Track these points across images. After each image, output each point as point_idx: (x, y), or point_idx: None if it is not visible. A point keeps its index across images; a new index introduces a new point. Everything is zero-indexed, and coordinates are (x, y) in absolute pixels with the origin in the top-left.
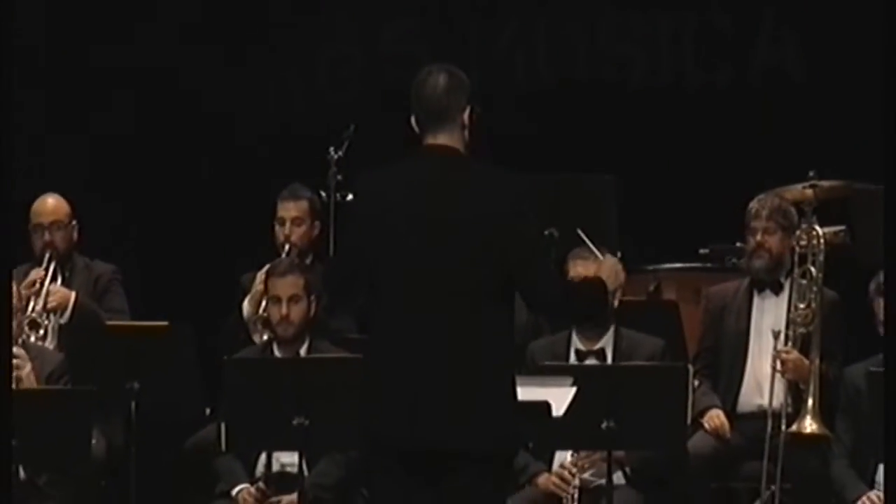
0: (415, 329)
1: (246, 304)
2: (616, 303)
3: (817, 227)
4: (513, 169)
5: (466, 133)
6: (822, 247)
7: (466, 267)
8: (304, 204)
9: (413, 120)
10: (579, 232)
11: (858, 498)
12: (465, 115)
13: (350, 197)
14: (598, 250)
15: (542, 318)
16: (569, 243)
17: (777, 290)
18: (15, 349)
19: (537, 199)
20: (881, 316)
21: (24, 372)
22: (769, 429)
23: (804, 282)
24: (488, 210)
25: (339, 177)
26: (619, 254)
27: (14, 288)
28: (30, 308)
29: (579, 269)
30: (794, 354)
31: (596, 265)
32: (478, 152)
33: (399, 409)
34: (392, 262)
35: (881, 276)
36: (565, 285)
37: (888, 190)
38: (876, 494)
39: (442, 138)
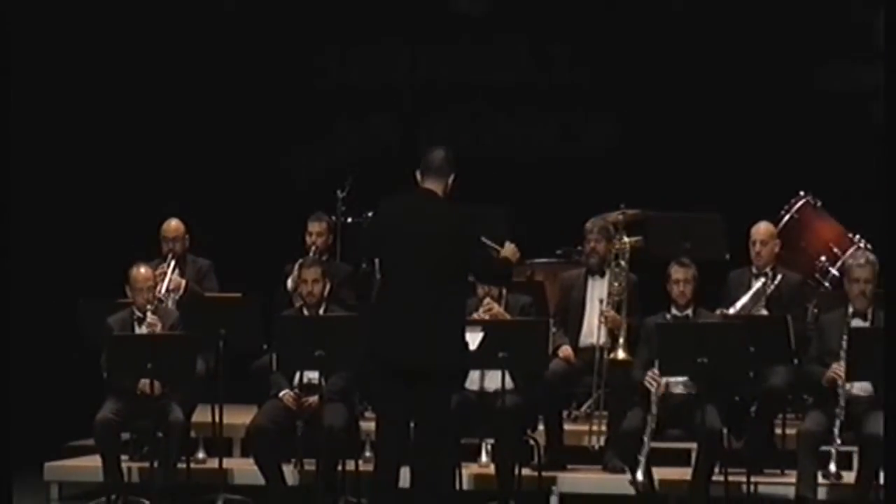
0: (404, 292)
1: (289, 282)
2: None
3: (625, 237)
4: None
5: (448, 189)
6: (628, 249)
7: (437, 257)
8: (324, 224)
9: (418, 171)
10: (484, 239)
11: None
12: (451, 179)
13: (350, 220)
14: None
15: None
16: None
17: (602, 275)
18: (150, 316)
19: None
20: (675, 276)
21: (157, 328)
22: (597, 356)
23: (618, 270)
24: (451, 227)
25: (343, 208)
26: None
27: (151, 274)
28: (158, 288)
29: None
30: (612, 313)
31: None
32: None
33: (392, 341)
34: (393, 252)
35: (681, 259)
36: (494, 265)
37: (888, 195)
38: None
39: (431, 185)
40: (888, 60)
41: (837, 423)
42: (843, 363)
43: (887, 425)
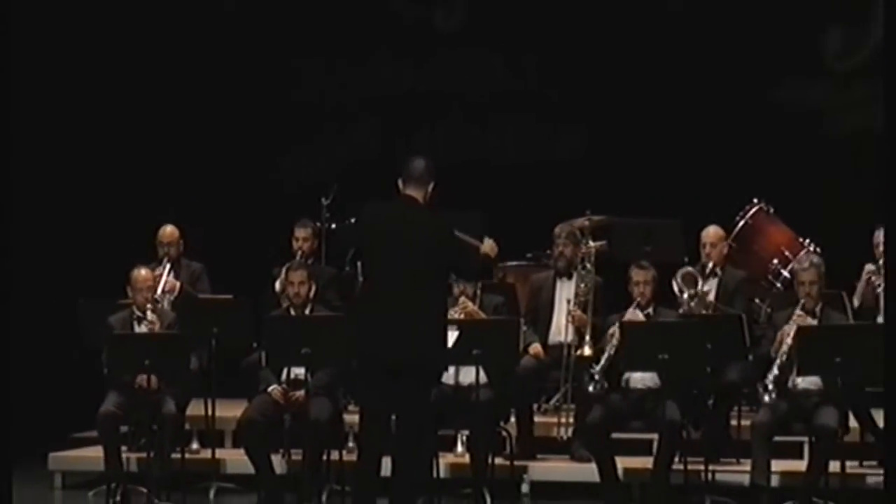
0: (388, 293)
1: (277, 284)
2: (497, 267)
3: (591, 242)
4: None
5: (428, 196)
6: (593, 253)
7: (417, 259)
8: (309, 229)
9: (400, 180)
10: (463, 236)
11: None
12: (430, 187)
13: (334, 226)
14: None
15: None
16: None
17: (569, 276)
18: (150, 315)
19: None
20: (636, 278)
21: (156, 327)
22: (564, 353)
23: (584, 272)
24: (431, 232)
25: (328, 214)
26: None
27: (150, 275)
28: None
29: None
30: (578, 312)
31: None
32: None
33: (378, 338)
34: (376, 254)
35: (640, 262)
36: (474, 262)
37: (888, 197)
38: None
39: (412, 192)
40: (888, 68)
41: (772, 375)
42: (794, 325)
43: (887, 424)
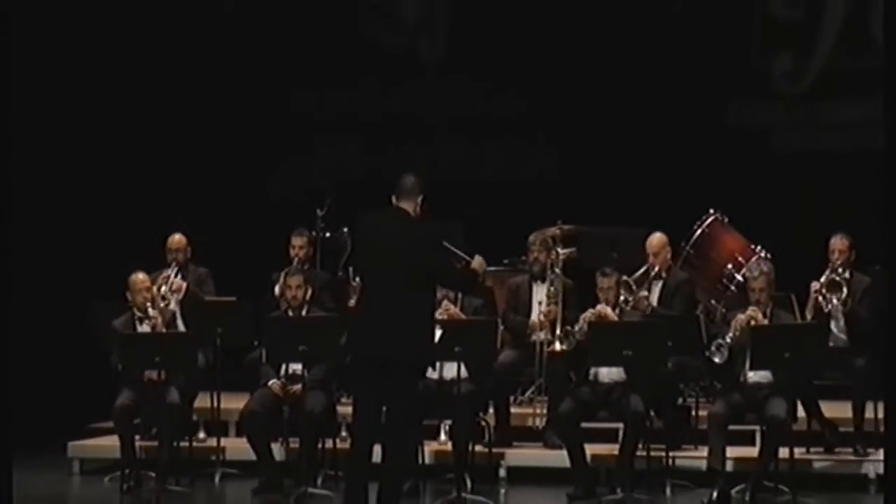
0: (382, 295)
1: (276, 288)
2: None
3: (560, 249)
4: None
5: (418, 208)
6: (562, 258)
7: (407, 265)
8: (305, 238)
9: (394, 194)
10: (452, 248)
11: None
12: (420, 200)
13: (328, 234)
14: (468, 255)
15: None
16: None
17: (542, 280)
18: (152, 311)
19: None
20: (601, 285)
21: (158, 321)
22: (538, 349)
23: (553, 276)
24: (420, 241)
25: (322, 224)
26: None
27: (147, 277)
28: (162, 289)
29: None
30: (552, 309)
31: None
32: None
33: (371, 337)
34: (372, 262)
35: (604, 269)
36: (461, 275)
37: (887, 199)
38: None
39: (404, 205)
40: (888, 79)
41: (725, 339)
42: (747, 314)
43: (887, 421)
